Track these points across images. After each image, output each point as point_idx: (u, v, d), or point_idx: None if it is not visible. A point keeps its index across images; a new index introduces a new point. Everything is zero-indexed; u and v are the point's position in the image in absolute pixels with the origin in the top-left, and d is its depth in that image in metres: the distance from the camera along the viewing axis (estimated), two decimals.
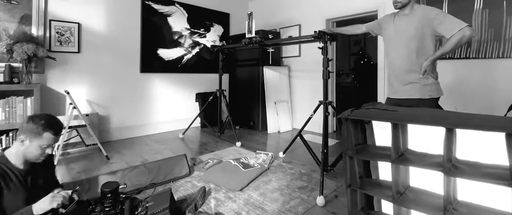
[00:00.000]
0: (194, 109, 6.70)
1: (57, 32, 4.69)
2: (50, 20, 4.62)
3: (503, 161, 1.42)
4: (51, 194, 2.10)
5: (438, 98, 2.88)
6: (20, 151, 2.15)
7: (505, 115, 3.27)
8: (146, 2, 5.84)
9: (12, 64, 4.15)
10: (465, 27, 2.50)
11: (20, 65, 4.10)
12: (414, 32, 2.84)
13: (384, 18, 3.27)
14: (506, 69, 3.85)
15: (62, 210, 2.10)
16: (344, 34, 3.81)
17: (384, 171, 1.98)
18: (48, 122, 2.18)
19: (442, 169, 1.52)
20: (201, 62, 6.91)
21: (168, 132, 6.11)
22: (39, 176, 2.32)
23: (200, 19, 6.86)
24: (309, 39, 3.90)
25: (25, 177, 2.19)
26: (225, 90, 6.00)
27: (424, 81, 2.82)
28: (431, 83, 2.82)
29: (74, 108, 4.20)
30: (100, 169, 3.86)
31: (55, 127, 2.22)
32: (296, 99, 6.78)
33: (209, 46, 6.93)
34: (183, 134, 5.77)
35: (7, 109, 3.92)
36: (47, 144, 2.18)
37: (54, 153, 4.14)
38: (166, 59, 6.22)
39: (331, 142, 5.31)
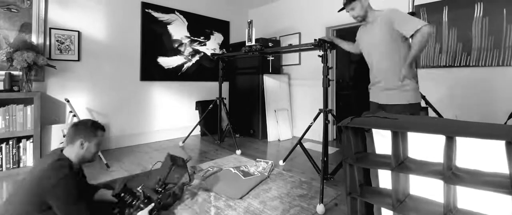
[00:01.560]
0: (194, 117, 6.70)
1: (57, 40, 4.70)
2: (50, 28, 4.63)
3: (503, 169, 1.42)
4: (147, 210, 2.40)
5: (418, 104, 2.86)
6: (80, 154, 2.36)
7: (505, 123, 3.27)
8: (146, 10, 5.86)
9: (12, 72, 4.15)
10: (423, 26, 2.53)
11: (20, 73, 4.10)
12: (379, 37, 2.88)
13: (358, 32, 3.33)
14: (506, 77, 3.85)
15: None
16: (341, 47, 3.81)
17: (384, 179, 1.98)
18: (93, 122, 2.48)
19: (442, 177, 1.52)
20: (201, 71, 6.93)
21: (168, 140, 6.10)
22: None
23: (200, 27, 6.88)
24: (309, 47, 3.91)
25: (80, 178, 2.48)
26: (225, 98, 6.00)
27: (402, 88, 2.80)
28: (409, 89, 2.80)
29: (74, 116, 4.20)
30: (100, 177, 3.85)
31: (101, 125, 2.53)
32: (296, 108, 6.79)
33: (209, 54, 6.95)
34: (183, 142, 5.77)
35: (7, 117, 3.92)
36: (100, 141, 2.49)
37: None
38: (166, 67, 6.23)
39: (331, 150, 5.30)
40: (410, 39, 2.70)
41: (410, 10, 3.69)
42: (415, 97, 2.82)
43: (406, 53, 2.78)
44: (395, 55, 2.82)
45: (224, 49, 7.27)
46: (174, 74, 6.39)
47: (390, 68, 2.86)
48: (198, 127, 6.43)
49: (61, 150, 2.36)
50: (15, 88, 4.08)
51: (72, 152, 2.35)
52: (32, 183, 2.06)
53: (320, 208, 2.94)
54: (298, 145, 4.11)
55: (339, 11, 3.21)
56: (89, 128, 2.41)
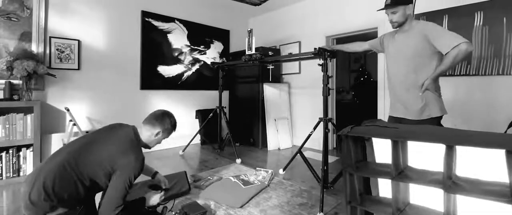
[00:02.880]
0: (194, 125, 6.70)
1: (57, 49, 4.72)
2: (50, 37, 4.65)
3: (503, 178, 1.42)
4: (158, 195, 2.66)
5: (439, 118, 2.77)
6: (149, 140, 2.64)
7: (505, 132, 3.27)
8: (146, 19, 5.89)
9: (12, 81, 4.15)
10: (462, 43, 2.43)
11: (20, 82, 4.11)
12: (412, 49, 2.79)
13: (386, 35, 3.26)
14: (506, 86, 3.85)
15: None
16: (345, 51, 3.81)
17: (384, 187, 1.97)
18: (175, 122, 2.72)
19: (442, 186, 1.52)
20: (201, 79, 6.93)
21: (168, 149, 6.09)
22: None
23: (200, 36, 6.90)
24: (309, 56, 3.92)
25: None
26: (225, 107, 6.00)
27: (422, 102, 2.75)
28: (430, 103, 2.74)
29: (74, 124, 4.21)
30: None
31: (176, 127, 2.75)
32: (296, 116, 6.79)
33: (209, 63, 6.96)
34: (183, 150, 5.76)
35: (7, 126, 3.92)
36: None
37: None
38: (166, 76, 6.24)
39: (331, 159, 5.29)
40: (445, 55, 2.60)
41: None
42: (437, 110, 2.76)
43: (435, 67, 2.70)
44: (424, 70, 2.76)
45: (224, 58, 7.27)
46: (174, 83, 6.40)
47: (416, 83, 2.79)
48: (198, 136, 6.42)
49: (133, 127, 2.59)
50: (15, 97, 4.09)
51: (145, 135, 2.60)
52: (111, 150, 2.27)
53: None
54: (298, 154, 4.11)
55: (378, 10, 3.07)
56: (171, 126, 2.67)
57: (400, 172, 1.74)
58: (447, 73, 4.26)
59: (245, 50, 4.80)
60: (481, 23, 4.02)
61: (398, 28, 3.03)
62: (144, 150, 2.59)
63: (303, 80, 6.59)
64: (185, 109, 6.59)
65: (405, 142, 1.80)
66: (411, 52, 2.81)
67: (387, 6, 2.91)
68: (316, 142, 5.78)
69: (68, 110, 4.24)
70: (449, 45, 2.50)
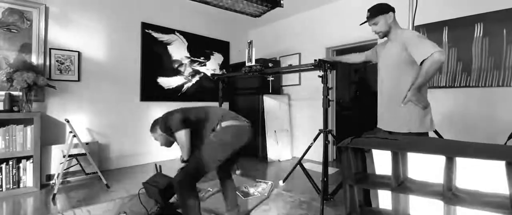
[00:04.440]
0: None
1: (57, 61, 4.74)
2: (50, 49, 4.68)
3: (503, 190, 1.42)
4: None
5: (420, 134, 2.66)
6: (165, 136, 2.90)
7: (505, 143, 3.27)
8: (146, 31, 5.92)
9: (12, 92, 4.17)
10: (435, 52, 2.36)
11: (20, 93, 4.13)
12: (394, 58, 2.76)
13: (379, 45, 3.25)
14: (506, 98, 3.86)
15: None
16: (344, 62, 3.82)
17: (384, 199, 1.97)
18: (164, 125, 2.81)
19: (442, 198, 1.52)
20: (201, 91, 6.95)
21: (169, 160, 6.08)
22: None
23: (200, 47, 6.94)
24: (309, 67, 3.93)
25: None
26: None
27: (404, 115, 2.68)
28: (411, 117, 2.65)
29: (74, 136, 4.20)
30: (100, 198, 3.83)
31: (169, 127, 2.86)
32: (296, 128, 6.78)
33: (209, 74, 6.97)
34: (183, 162, 5.74)
35: (7, 137, 3.92)
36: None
37: (54, 182, 4.15)
38: (166, 88, 6.26)
39: (331, 170, 5.28)
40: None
41: None
42: (418, 126, 2.66)
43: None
44: (407, 80, 2.68)
45: (224, 70, 7.29)
46: (174, 95, 6.42)
47: (397, 94, 2.74)
48: None
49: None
50: (15, 108, 4.10)
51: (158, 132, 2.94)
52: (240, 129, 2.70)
53: None
54: (298, 165, 4.10)
55: (361, 24, 3.08)
56: (163, 130, 2.85)
57: (400, 184, 1.74)
58: (447, 85, 4.27)
59: (245, 61, 4.82)
60: (481, 34, 4.02)
61: (385, 38, 3.01)
62: None
63: (303, 92, 6.61)
64: None
65: (405, 153, 1.80)
66: (393, 61, 2.79)
67: (367, 19, 2.94)
68: (316, 153, 5.77)
69: (68, 122, 4.24)
70: (422, 54, 2.44)
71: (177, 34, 6.47)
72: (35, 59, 4.50)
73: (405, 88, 2.67)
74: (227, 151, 2.62)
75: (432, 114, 2.76)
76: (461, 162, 1.56)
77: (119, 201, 3.40)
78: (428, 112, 2.71)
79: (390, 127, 2.82)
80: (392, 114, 2.81)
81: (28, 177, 4.07)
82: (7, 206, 3.59)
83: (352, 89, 9.22)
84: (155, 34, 6.08)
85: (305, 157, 4.28)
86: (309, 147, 4.13)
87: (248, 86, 6.75)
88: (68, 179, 4.51)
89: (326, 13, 6.14)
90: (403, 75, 2.71)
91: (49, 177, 4.44)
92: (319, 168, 5.22)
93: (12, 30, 4.35)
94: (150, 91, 5.98)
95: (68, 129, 4.35)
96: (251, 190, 3.98)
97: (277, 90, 6.94)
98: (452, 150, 1.52)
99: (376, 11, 2.86)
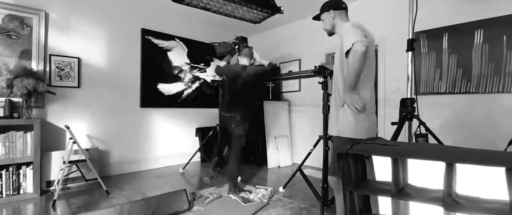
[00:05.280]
0: (194, 143, 6.69)
1: (57, 67, 4.75)
2: (50, 55, 4.69)
3: (503, 196, 1.42)
4: None
5: (349, 140, 2.32)
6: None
7: (505, 150, 3.27)
8: (146, 37, 5.93)
9: (12, 99, 4.17)
10: (355, 42, 2.18)
11: (20, 100, 4.14)
12: (337, 55, 2.57)
13: None
14: (506, 104, 3.86)
15: None
16: None
17: (384, 205, 1.96)
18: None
19: (442, 204, 1.52)
20: (201, 97, 6.95)
21: (168, 167, 6.08)
22: None
23: (200, 53, 6.95)
24: (309, 74, 3.95)
25: None
26: None
27: (339, 117, 2.47)
28: (338, 119, 2.47)
29: (74, 142, 4.20)
30: (100, 204, 3.82)
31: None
32: (296, 134, 6.78)
33: (209, 81, 6.97)
34: (183, 168, 5.75)
35: (7, 144, 3.92)
36: None
37: (54, 188, 4.14)
38: (166, 94, 6.26)
39: (331, 176, 5.27)
40: None
41: (410, 37, 3.32)
42: (346, 130, 2.40)
43: None
44: (341, 77, 2.49)
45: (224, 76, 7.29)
46: (174, 101, 6.42)
47: (335, 95, 2.57)
48: (198, 154, 6.41)
49: None
50: (15, 115, 4.11)
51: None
52: None
53: None
54: (298, 172, 4.10)
55: (313, 18, 2.95)
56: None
57: (400, 190, 1.74)
58: (446, 91, 4.27)
59: None
60: (481, 41, 4.02)
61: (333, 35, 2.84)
62: None
63: (303, 98, 6.61)
64: (185, 126, 6.59)
65: (405, 159, 1.80)
66: (336, 60, 2.60)
67: (315, 18, 2.88)
68: (316, 159, 5.77)
69: (68, 128, 4.24)
70: (346, 45, 2.27)
71: (177, 40, 6.49)
72: (35, 65, 4.50)
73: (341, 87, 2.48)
74: None
75: (377, 119, 2.59)
76: (461, 168, 1.56)
77: (119, 207, 3.39)
78: (366, 116, 2.42)
79: (330, 131, 2.64)
80: (330, 116, 2.65)
81: (28, 184, 4.06)
82: (7, 213, 3.58)
83: None
84: (155, 41, 6.09)
85: (305, 163, 4.28)
86: (309, 153, 4.13)
87: None
88: (68, 185, 4.50)
89: None
90: (338, 73, 2.54)
91: (49, 183, 4.43)
92: (319, 174, 5.20)
93: (12, 37, 4.36)
94: (150, 98, 5.98)
95: (68, 135, 4.35)
96: (251, 196, 3.97)
97: (277, 96, 6.95)
98: (452, 156, 1.52)
99: (321, 9, 2.78)
